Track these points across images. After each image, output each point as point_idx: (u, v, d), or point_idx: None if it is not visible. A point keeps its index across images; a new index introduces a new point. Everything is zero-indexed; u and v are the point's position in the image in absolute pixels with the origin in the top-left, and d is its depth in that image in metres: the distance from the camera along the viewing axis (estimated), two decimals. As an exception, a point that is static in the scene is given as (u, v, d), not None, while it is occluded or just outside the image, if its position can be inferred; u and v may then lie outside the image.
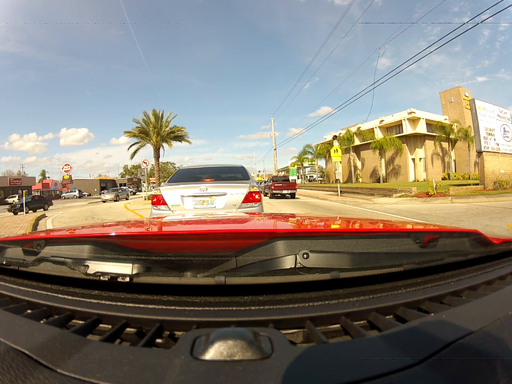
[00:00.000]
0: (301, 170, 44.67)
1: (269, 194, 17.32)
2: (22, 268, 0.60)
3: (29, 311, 0.48)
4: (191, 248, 0.66)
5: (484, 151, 12.98)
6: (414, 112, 29.12)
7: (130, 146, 21.80)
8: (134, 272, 0.53)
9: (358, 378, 0.27)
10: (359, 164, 33.06)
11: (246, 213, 2.69)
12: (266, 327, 0.40)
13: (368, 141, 29.73)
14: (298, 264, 0.51)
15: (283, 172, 40.65)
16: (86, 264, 0.54)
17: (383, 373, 0.28)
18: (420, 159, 29.13)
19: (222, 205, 3.38)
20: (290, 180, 21.23)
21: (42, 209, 16.94)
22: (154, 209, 3.45)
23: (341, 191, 15.83)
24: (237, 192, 3.41)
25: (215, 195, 3.39)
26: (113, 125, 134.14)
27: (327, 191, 20.58)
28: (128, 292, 0.50)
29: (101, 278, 0.53)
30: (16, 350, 0.33)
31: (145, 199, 18.84)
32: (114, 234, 0.79)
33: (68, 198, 38.16)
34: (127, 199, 25.75)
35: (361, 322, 0.44)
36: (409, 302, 0.46)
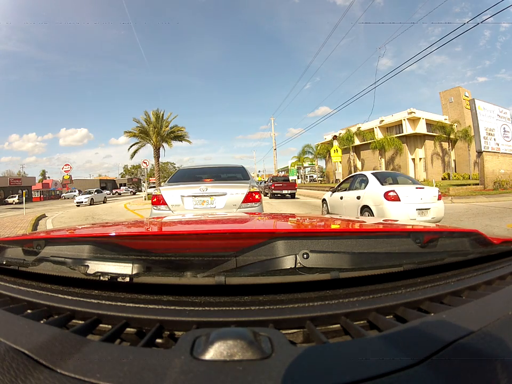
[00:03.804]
0: (301, 170, 44.68)
1: (269, 194, 17.32)
2: (22, 268, 0.60)
3: (29, 311, 0.48)
4: (191, 248, 0.66)
5: (484, 151, 12.99)
6: (414, 112, 29.12)
7: (131, 146, 21.81)
8: (134, 272, 0.53)
9: (358, 378, 0.27)
10: (359, 164, 33.05)
11: (246, 213, 2.69)
12: (266, 327, 0.40)
13: (368, 141, 29.72)
14: (298, 264, 0.51)
15: (283, 172, 40.64)
16: (86, 264, 0.54)
17: (383, 373, 0.28)
18: (420, 159, 29.14)
19: (222, 205, 3.38)
20: (290, 180, 21.25)
21: None
22: (154, 209, 3.45)
23: (341, 191, 15.79)
24: (237, 192, 3.42)
25: (215, 195, 3.39)
26: (112, 125, 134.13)
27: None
28: (128, 292, 0.50)
29: (101, 278, 0.53)
30: (16, 350, 0.33)
31: (145, 199, 18.79)
32: (114, 234, 0.79)
33: (68, 198, 38.03)
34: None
35: (361, 322, 0.44)
36: (409, 302, 0.46)
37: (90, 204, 19.24)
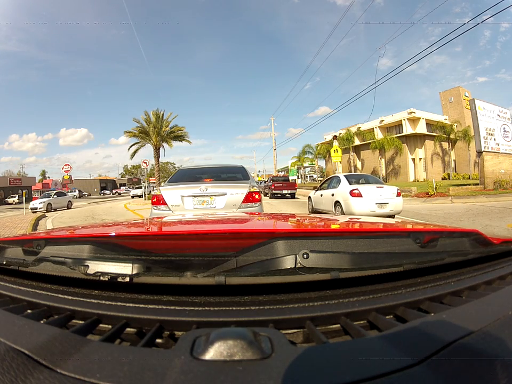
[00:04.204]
0: (301, 170, 44.66)
1: (269, 194, 17.34)
2: (22, 268, 0.60)
3: (29, 311, 0.48)
4: (191, 248, 0.66)
5: (484, 151, 12.99)
6: (414, 112, 29.11)
7: (131, 146, 21.81)
8: (134, 272, 0.53)
9: (358, 378, 0.27)
10: (359, 164, 33.04)
11: (246, 213, 2.69)
12: (266, 327, 0.40)
13: (368, 141, 29.70)
14: (298, 264, 0.51)
15: (283, 172, 40.61)
16: (86, 264, 0.54)
17: (383, 373, 0.28)
18: (420, 159, 29.14)
19: (222, 205, 3.38)
20: (290, 180, 21.27)
21: None
22: (154, 209, 3.45)
23: (341, 191, 15.85)
24: (237, 192, 3.42)
25: (215, 195, 3.39)
26: (112, 125, 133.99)
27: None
28: (128, 292, 0.50)
29: (101, 278, 0.53)
30: (16, 350, 0.33)
31: (145, 199, 18.76)
32: (114, 234, 0.79)
33: (68, 198, 37.93)
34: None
35: (361, 322, 0.44)
36: (409, 302, 0.46)
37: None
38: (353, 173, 10.24)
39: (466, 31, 11.07)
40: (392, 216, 6.27)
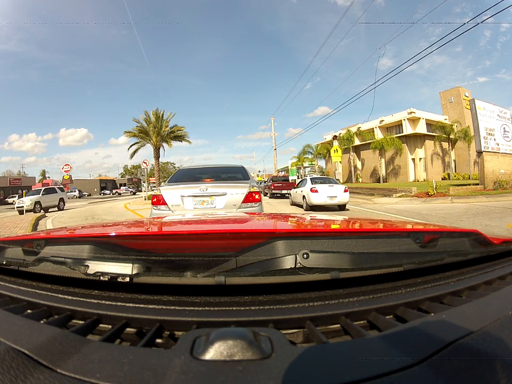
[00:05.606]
0: (301, 170, 44.64)
1: (268, 194, 17.35)
2: (22, 268, 0.60)
3: (29, 311, 0.48)
4: (191, 248, 0.66)
5: (483, 151, 12.99)
6: (414, 112, 29.11)
7: (131, 146, 21.81)
8: (134, 272, 0.53)
9: (358, 378, 0.27)
10: (359, 164, 33.03)
11: (246, 213, 2.69)
12: (266, 327, 0.40)
13: (368, 141, 29.68)
14: (298, 264, 0.51)
15: (283, 172, 40.54)
16: (86, 264, 0.54)
17: (383, 373, 0.28)
18: (420, 159, 29.13)
19: (222, 205, 3.38)
20: (290, 180, 21.28)
21: None
22: (154, 209, 3.45)
23: (340, 191, 16.00)
24: (237, 192, 3.42)
25: (215, 195, 3.40)
26: (112, 125, 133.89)
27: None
28: (128, 292, 0.50)
29: (101, 278, 0.53)
30: (16, 350, 0.33)
31: (145, 199, 18.69)
32: (114, 234, 0.79)
33: (68, 198, 37.92)
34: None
35: (361, 322, 0.44)
36: (409, 302, 0.46)
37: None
38: (317, 176, 14.99)
39: (466, 31, 11.09)
40: (343, 206, 9.52)
